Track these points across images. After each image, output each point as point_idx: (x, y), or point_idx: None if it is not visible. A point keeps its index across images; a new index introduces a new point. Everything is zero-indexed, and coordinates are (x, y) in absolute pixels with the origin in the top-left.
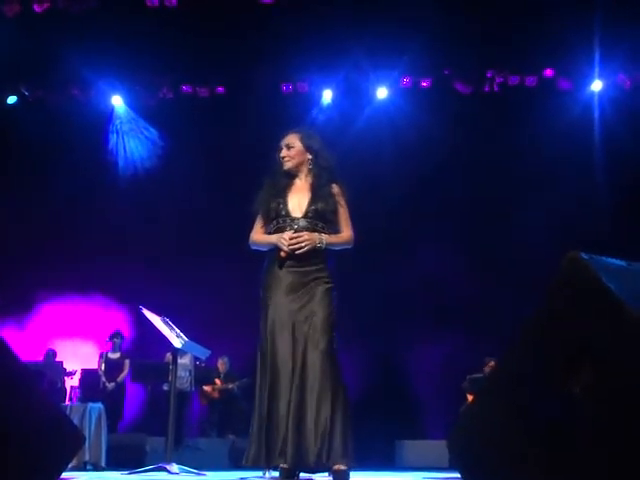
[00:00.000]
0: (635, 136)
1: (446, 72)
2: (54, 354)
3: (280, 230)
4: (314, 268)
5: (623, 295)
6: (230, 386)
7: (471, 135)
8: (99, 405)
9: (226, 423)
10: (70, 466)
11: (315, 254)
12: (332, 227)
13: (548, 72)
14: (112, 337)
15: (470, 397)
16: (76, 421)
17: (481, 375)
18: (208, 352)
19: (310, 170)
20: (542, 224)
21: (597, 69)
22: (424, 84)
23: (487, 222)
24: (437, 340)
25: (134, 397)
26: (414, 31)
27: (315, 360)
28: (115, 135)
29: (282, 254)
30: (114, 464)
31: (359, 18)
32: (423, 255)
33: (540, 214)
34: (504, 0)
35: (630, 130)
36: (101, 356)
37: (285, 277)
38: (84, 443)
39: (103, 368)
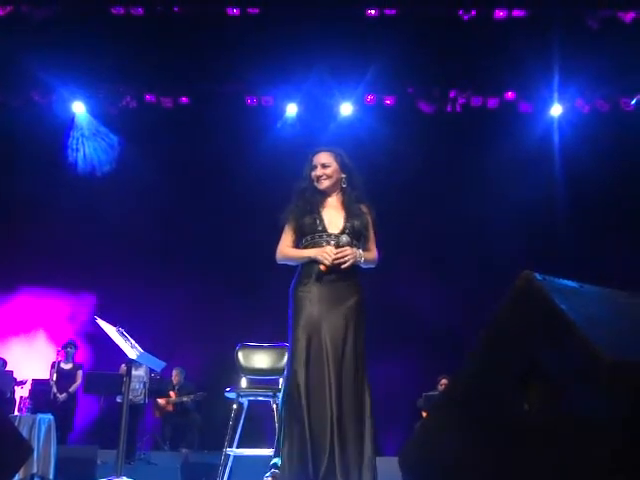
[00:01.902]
0: (594, 159)
1: (410, 90)
2: (4, 363)
3: (315, 245)
4: (348, 283)
5: (574, 316)
6: (185, 399)
7: (434, 154)
8: (49, 416)
9: (179, 437)
10: (17, 478)
11: (350, 270)
12: (363, 244)
13: (509, 95)
14: (65, 347)
15: (425, 414)
16: (25, 432)
17: (437, 393)
18: (163, 364)
19: (342, 188)
20: (502, 244)
21: (556, 94)
22: (388, 102)
23: (447, 241)
24: (393, 358)
25: (86, 408)
26: (379, 49)
27: (351, 388)
28: (75, 141)
29: (322, 268)
30: (63, 477)
31: (325, 33)
32: (380, 275)
33: (500, 234)
34: (468, 22)
35: (589, 153)
36: (53, 366)
37: (320, 291)
38: (31, 454)
39: (55, 378)
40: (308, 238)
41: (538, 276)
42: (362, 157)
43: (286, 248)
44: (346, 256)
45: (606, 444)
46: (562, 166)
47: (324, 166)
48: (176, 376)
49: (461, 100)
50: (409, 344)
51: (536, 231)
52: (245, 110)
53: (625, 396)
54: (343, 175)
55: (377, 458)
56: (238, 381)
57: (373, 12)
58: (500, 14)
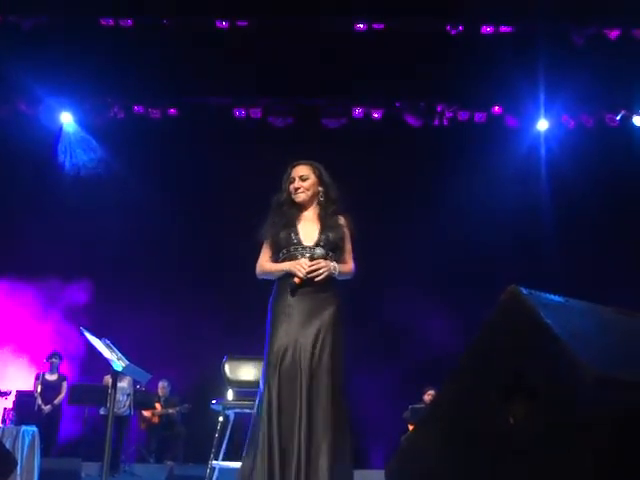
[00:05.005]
0: (580, 174)
1: (397, 104)
2: None
3: (291, 258)
4: (325, 295)
5: (559, 330)
6: (170, 411)
7: (420, 167)
8: (33, 428)
9: (165, 449)
10: None
11: (326, 282)
12: (339, 256)
13: (496, 109)
14: (50, 357)
15: (412, 427)
16: (8, 445)
17: (423, 405)
18: (149, 376)
19: (319, 202)
20: (488, 257)
21: (542, 109)
22: (375, 115)
23: (434, 255)
24: (380, 370)
25: (70, 420)
26: (366, 62)
27: (324, 402)
28: (63, 152)
29: (296, 281)
30: None
31: (313, 47)
32: (365, 288)
33: (486, 247)
34: (455, 37)
35: (575, 168)
36: (37, 377)
37: (296, 305)
38: (16, 467)
39: (39, 390)
40: (284, 251)
41: (524, 290)
42: (350, 171)
43: (265, 263)
44: (320, 268)
45: (591, 459)
46: (548, 180)
47: (302, 179)
48: (162, 388)
49: (448, 114)
50: (396, 356)
51: (522, 245)
52: (233, 122)
53: (609, 411)
54: (320, 188)
55: (363, 471)
56: (224, 393)
57: (361, 26)
58: (487, 30)
